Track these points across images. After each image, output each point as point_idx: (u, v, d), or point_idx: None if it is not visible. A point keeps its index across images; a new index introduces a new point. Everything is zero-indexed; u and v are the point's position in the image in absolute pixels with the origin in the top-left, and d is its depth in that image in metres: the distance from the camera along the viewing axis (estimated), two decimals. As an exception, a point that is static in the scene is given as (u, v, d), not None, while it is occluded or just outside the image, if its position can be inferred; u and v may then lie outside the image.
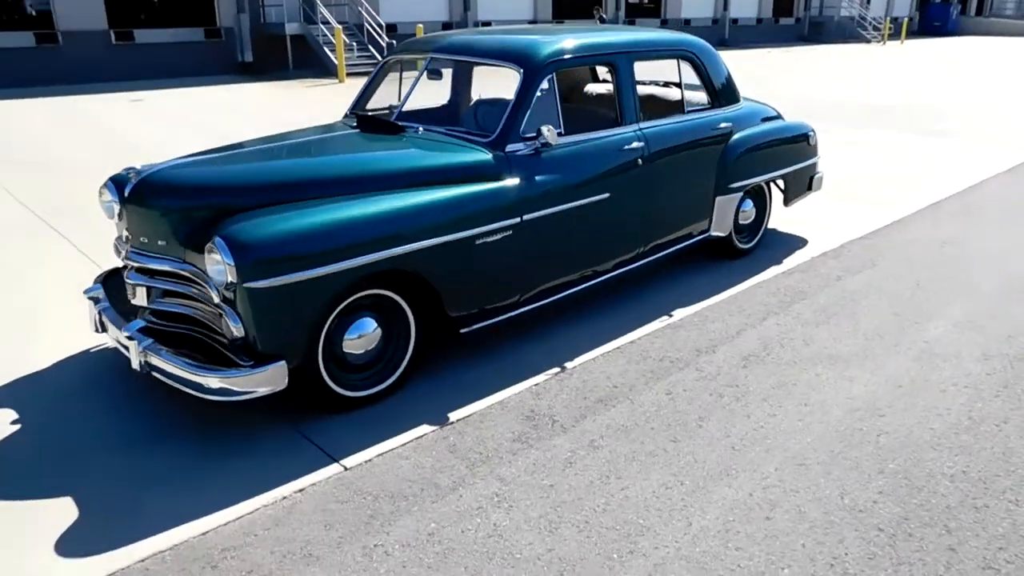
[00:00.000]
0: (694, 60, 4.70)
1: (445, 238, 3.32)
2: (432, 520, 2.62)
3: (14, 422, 3.24)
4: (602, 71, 5.48)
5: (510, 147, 3.65)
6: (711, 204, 4.81)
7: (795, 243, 5.62)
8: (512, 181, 3.60)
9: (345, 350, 3.23)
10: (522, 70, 3.77)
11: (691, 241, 4.80)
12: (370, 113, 4.48)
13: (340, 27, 16.10)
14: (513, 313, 3.76)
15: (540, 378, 3.60)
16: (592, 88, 5.43)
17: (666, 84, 5.34)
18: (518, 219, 3.60)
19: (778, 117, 5.46)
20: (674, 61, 4.66)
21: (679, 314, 4.32)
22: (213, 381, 2.90)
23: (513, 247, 3.61)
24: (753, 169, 4.97)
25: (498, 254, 3.56)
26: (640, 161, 4.18)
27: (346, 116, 4.49)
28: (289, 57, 17.70)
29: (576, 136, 3.94)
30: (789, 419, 3.24)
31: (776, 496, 2.72)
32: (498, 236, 3.53)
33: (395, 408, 3.34)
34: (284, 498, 2.74)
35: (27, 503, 2.71)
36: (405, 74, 4.52)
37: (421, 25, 17.06)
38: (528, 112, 3.73)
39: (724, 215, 4.89)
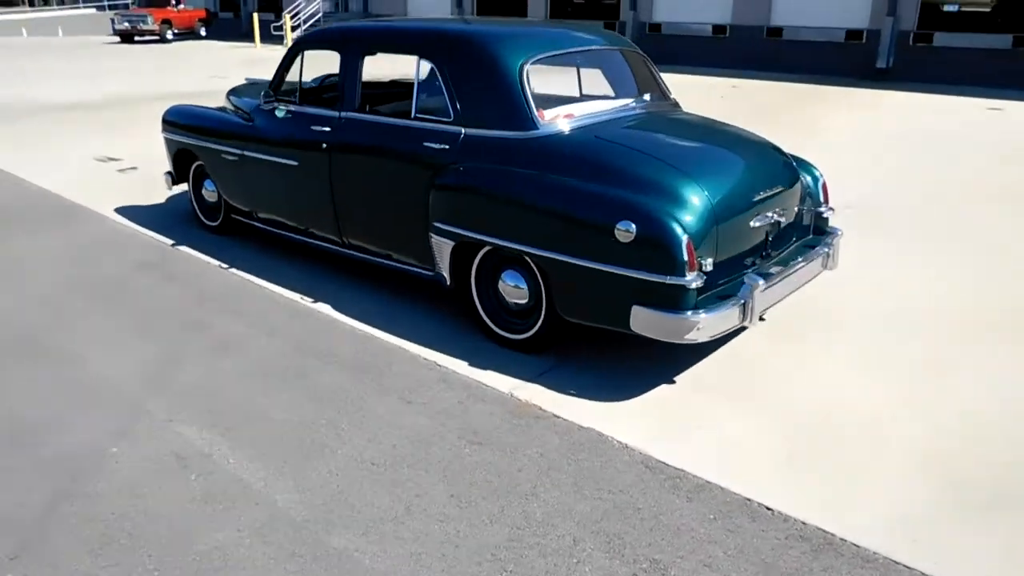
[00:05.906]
0: (434, 59, 3.67)
1: (205, 143, 5.23)
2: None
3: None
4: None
5: (262, 103, 4.81)
6: (427, 240, 3.87)
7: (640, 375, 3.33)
8: (250, 125, 4.86)
9: (202, 193, 5.65)
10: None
11: (418, 271, 4.08)
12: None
13: None
14: (258, 226, 5.07)
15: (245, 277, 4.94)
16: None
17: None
18: (241, 152, 4.92)
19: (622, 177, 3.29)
20: (416, 59, 3.80)
21: (321, 308, 4.27)
22: (165, 186, 5.99)
23: (238, 170, 4.98)
24: (471, 219, 3.59)
25: (231, 170, 5.07)
26: (325, 146, 4.22)
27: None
28: None
29: (293, 107, 4.55)
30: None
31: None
32: (230, 158, 5.02)
33: (201, 232, 5.55)
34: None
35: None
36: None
37: None
38: (280, 80, 4.70)
39: (440, 260, 3.82)
